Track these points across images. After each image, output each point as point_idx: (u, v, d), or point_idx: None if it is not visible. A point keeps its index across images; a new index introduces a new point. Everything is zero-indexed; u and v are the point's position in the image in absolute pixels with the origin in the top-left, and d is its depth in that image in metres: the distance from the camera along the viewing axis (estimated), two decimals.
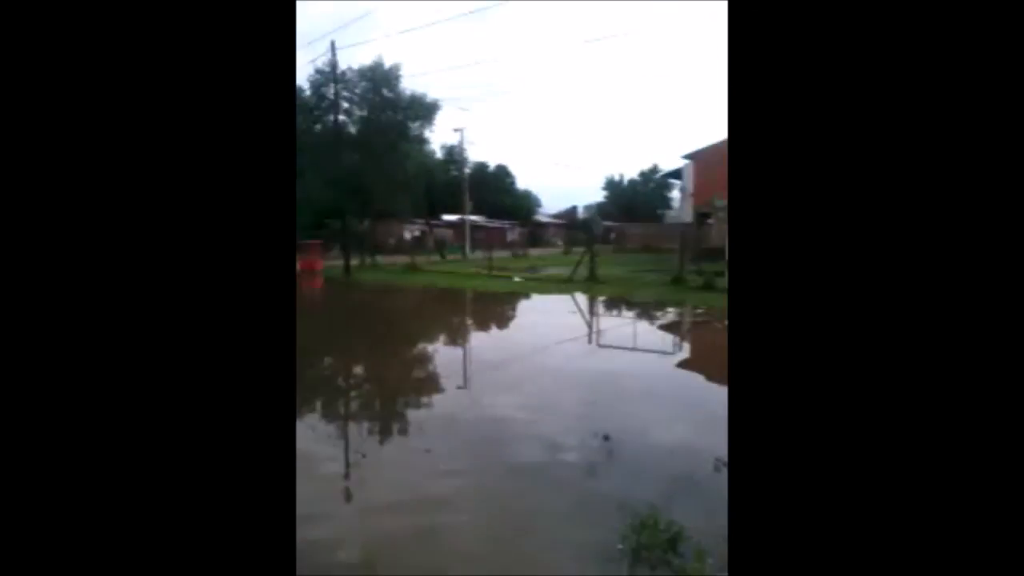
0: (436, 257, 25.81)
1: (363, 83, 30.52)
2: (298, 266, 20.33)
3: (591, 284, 14.16)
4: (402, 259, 23.42)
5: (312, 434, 4.19)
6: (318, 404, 5.15)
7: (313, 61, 31.19)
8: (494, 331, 9.69)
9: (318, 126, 31.13)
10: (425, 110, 29.96)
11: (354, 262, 20.16)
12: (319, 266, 20.02)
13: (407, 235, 34.30)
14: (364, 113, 29.99)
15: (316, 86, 31.24)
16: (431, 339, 8.65)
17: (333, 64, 21.60)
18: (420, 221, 32.84)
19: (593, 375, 5.84)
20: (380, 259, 23.74)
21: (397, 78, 30.25)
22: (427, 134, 31.15)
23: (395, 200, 30.06)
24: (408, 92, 29.83)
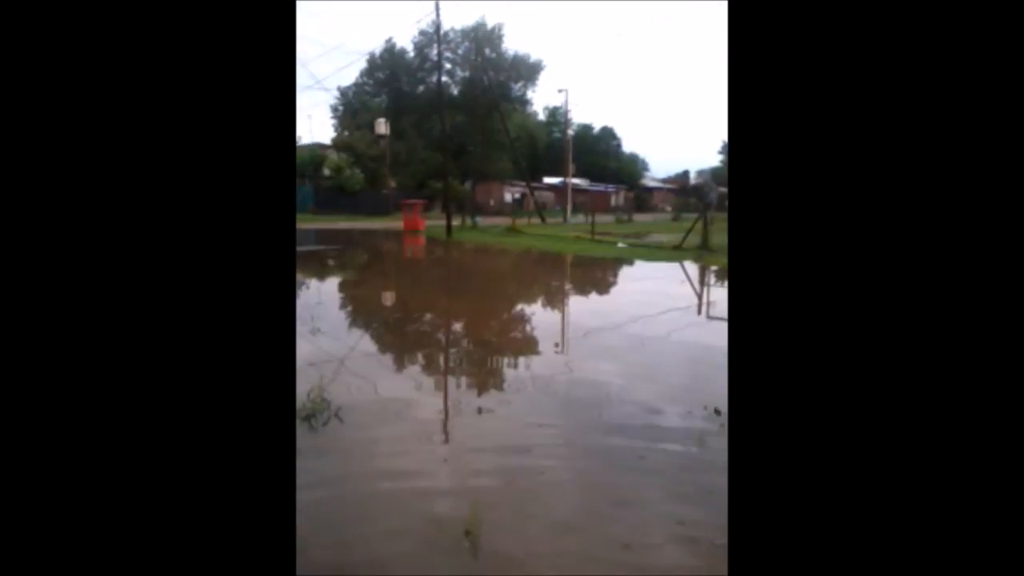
0: (536, 220, 25.71)
1: (465, 43, 30.50)
2: (401, 225, 21.03)
3: (702, 253, 13.45)
4: (502, 221, 23.55)
5: (412, 384, 4.27)
6: (418, 357, 5.26)
7: (418, 21, 31.42)
8: (594, 297, 9.48)
9: (421, 87, 31.62)
10: (528, 70, 29.50)
11: (455, 223, 20.52)
12: (421, 226, 20.57)
13: (508, 197, 34.40)
14: (466, 74, 30.05)
15: (419, 48, 31.60)
16: (529, 301, 8.60)
17: (437, 25, 21.69)
18: (521, 183, 32.80)
19: (700, 348, 5.51)
20: (480, 220, 24.00)
21: (500, 38, 29.91)
22: (530, 95, 30.75)
23: (496, 161, 30.15)
24: (511, 53, 29.46)
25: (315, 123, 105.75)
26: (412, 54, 33.15)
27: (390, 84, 32.65)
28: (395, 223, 22.27)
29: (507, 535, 2.31)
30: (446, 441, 3.31)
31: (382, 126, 28.67)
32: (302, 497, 2.63)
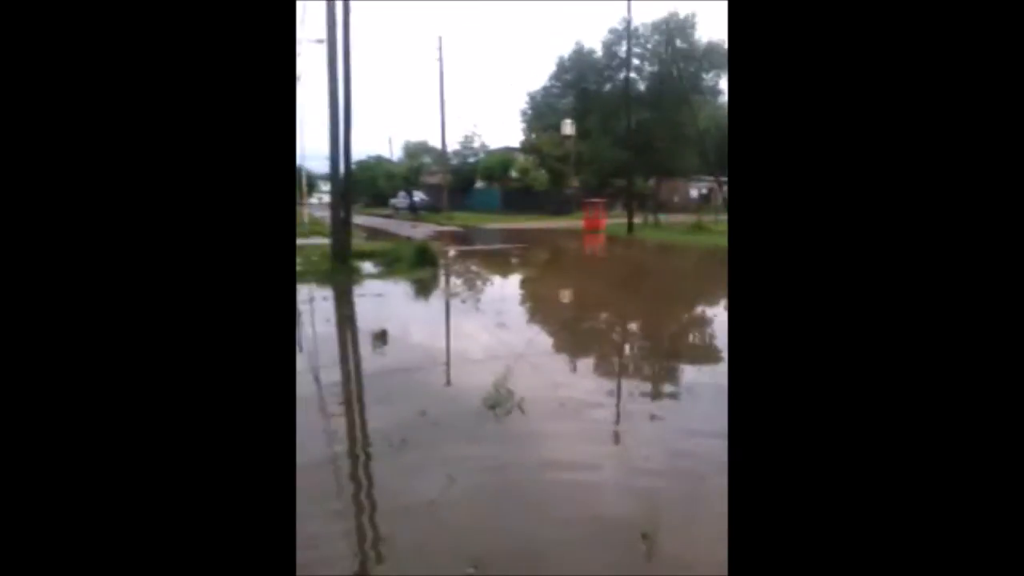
0: (724, 216, 24.31)
1: (655, 37, 29.79)
2: (582, 224, 21.30)
3: None
4: (687, 218, 22.67)
5: (585, 383, 4.41)
6: (593, 356, 5.38)
7: (617, 26, 31.29)
8: None
9: (608, 86, 31.59)
10: (721, 58, 27.92)
11: (637, 220, 20.25)
12: (602, 224, 20.64)
13: (694, 193, 32.95)
14: (655, 68, 29.35)
15: (608, 46, 31.54)
16: (710, 303, 8.25)
17: (627, 21, 21.54)
18: (709, 178, 31.21)
19: None
20: (664, 217, 23.38)
21: (692, 28, 28.69)
22: (723, 84, 29.11)
23: (683, 156, 29.03)
24: (704, 41, 28.13)
25: (506, 127, 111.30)
26: (600, 53, 33.21)
27: (577, 85, 33.14)
28: (576, 222, 22.62)
29: (679, 538, 2.33)
30: (617, 442, 3.38)
31: (568, 127, 29.26)
32: (479, 481, 2.91)
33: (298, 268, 10.66)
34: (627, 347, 5.94)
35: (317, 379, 4.63)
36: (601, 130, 29.26)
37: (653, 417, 3.70)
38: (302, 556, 2.33)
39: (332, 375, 4.83)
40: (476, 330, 6.33)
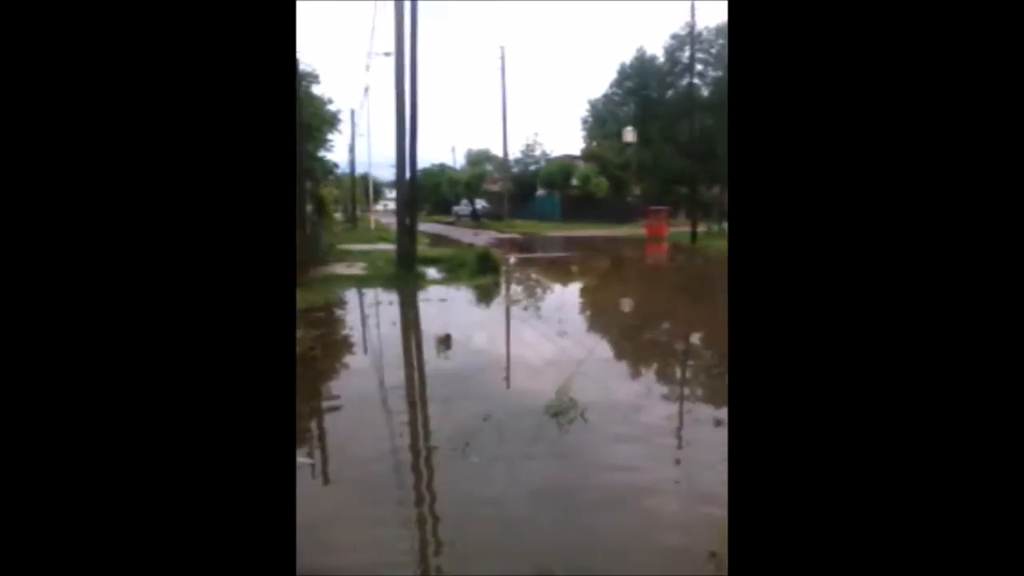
0: None
1: (720, 41, 29.12)
2: (644, 232, 21.01)
3: None
4: None
5: (646, 392, 4.35)
6: (655, 365, 5.30)
7: (678, 33, 30.86)
8: None
9: (670, 92, 31.08)
10: None
11: (701, 229, 19.80)
12: (664, 232, 20.28)
13: None
14: (719, 73, 28.68)
15: (670, 52, 31.05)
16: None
17: (691, 26, 21.15)
18: None
19: None
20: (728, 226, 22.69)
21: None
22: None
23: None
24: None
25: (566, 136, 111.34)
26: (662, 59, 32.72)
27: (638, 92, 32.77)
28: (638, 230, 22.34)
29: None
30: (678, 463, 3.32)
31: (629, 134, 28.97)
32: (541, 487, 2.92)
33: (365, 272, 11.02)
34: (690, 358, 5.81)
35: (382, 381, 4.77)
36: (663, 137, 28.80)
37: (718, 423, 3.61)
38: (369, 557, 2.41)
39: (397, 376, 4.96)
40: (537, 338, 6.36)
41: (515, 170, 37.04)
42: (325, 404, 4.35)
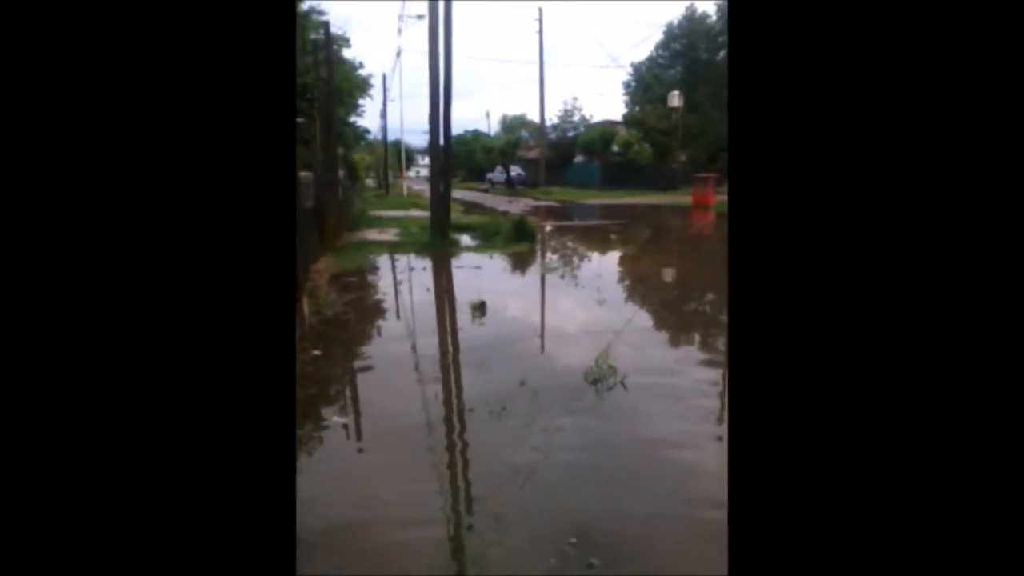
0: None
1: None
2: (690, 200, 20.58)
3: None
4: None
5: (685, 363, 4.30)
6: (695, 337, 5.22)
7: None
8: None
9: (721, 54, 30.04)
10: None
11: None
12: (711, 200, 19.82)
13: None
14: None
15: (723, 9, 29.91)
16: None
17: None
18: None
19: None
20: None
21: None
22: None
23: None
24: None
25: (607, 101, 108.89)
26: (714, 18, 31.57)
27: (686, 54, 31.69)
28: (683, 198, 21.87)
29: None
30: (720, 438, 3.28)
31: (675, 99, 28.17)
32: (578, 454, 2.92)
33: (398, 239, 11.11)
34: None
35: (415, 346, 4.82)
36: (712, 102, 27.95)
37: None
38: (405, 512, 2.47)
39: (432, 341, 5.02)
40: (575, 306, 6.33)
41: (552, 136, 36.54)
42: (359, 366, 4.44)
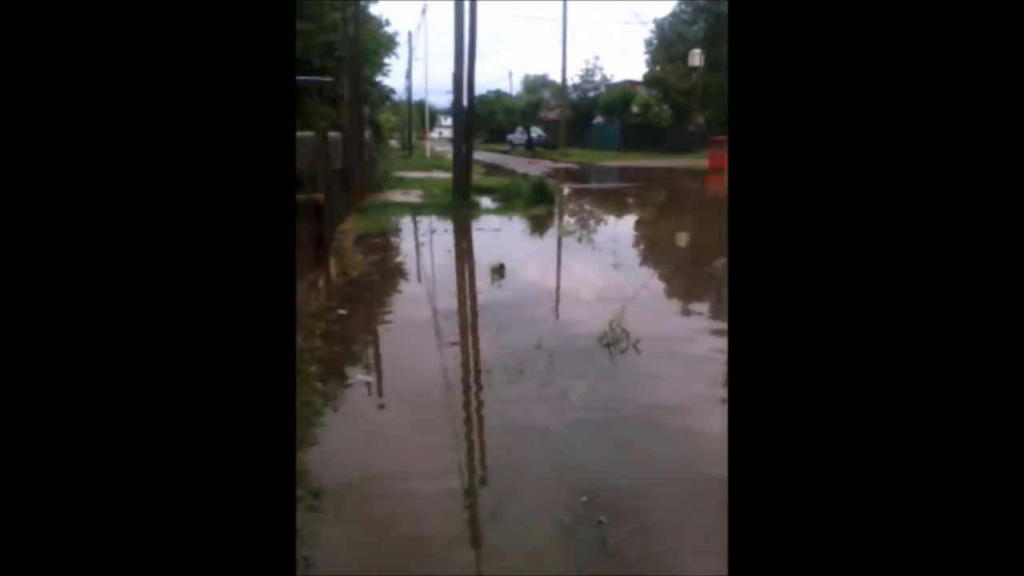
0: None
1: None
2: (706, 163, 20.11)
3: None
4: None
5: (699, 325, 4.28)
6: (707, 302, 5.19)
7: None
8: None
9: None
10: None
11: None
12: (727, 164, 19.36)
13: None
14: None
15: None
16: None
17: None
18: None
19: None
20: None
21: None
22: None
23: None
24: None
25: (629, 60, 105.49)
26: None
27: (709, 8, 30.31)
28: (700, 161, 21.38)
29: None
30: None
31: (696, 57, 27.18)
32: (589, 417, 2.96)
33: (420, 200, 11.08)
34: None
35: (436, 308, 4.86)
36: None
37: None
38: (408, 473, 2.52)
39: (451, 303, 5.05)
40: (590, 269, 6.30)
41: (573, 96, 35.67)
42: (382, 327, 4.50)
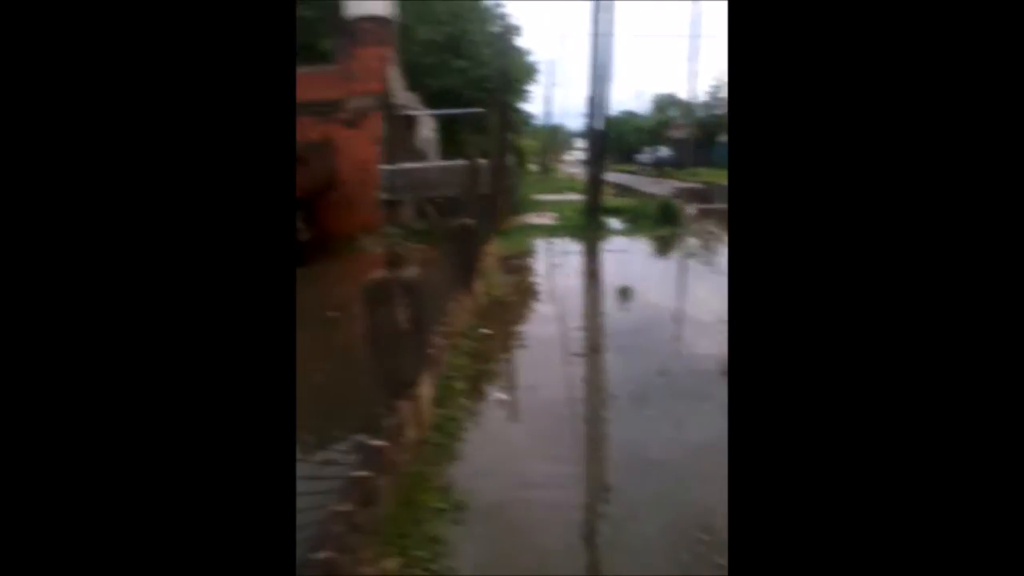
0: None
1: None
2: None
3: None
4: None
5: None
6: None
7: None
8: None
9: None
10: None
11: None
12: None
13: None
14: None
15: None
16: None
17: None
18: None
19: None
20: None
21: None
22: None
23: None
24: None
25: None
26: None
27: None
28: None
29: None
30: None
31: None
32: (714, 443, 3.08)
33: (554, 223, 11.50)
34: None
35: (566, 331, 5.16)
36: None
37: None
38: (539, 494, 2.67)
39: (580, 325, 5.31)
40: (713, 293, 6.29)
41: (701, 115, 34.46)
42: (518, 346, 4.86)
